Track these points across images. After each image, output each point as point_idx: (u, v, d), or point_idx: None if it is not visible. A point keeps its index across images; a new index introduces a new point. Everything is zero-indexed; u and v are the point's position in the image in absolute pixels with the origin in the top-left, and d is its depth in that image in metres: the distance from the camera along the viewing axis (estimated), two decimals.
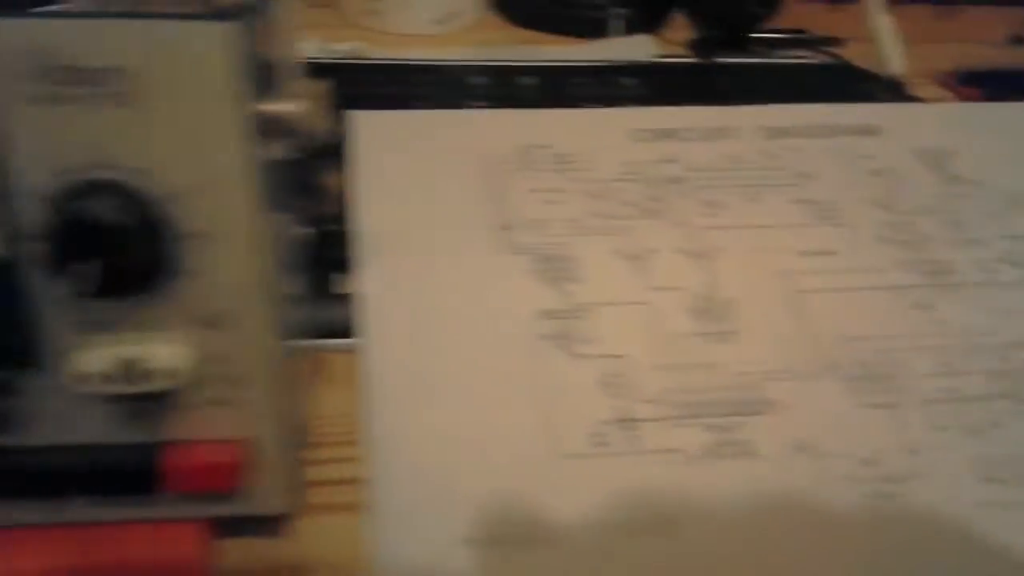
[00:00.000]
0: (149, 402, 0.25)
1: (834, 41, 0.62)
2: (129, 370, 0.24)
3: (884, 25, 0.54)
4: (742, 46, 0.61)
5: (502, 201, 0.42)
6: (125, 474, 0.25)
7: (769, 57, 0.59)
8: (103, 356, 0.24)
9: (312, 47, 0.55)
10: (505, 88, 0.48)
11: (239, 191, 0.23)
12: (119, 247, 0.22)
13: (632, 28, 0.64)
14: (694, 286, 0.39)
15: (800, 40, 0.62)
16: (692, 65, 0.53)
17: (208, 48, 0.22)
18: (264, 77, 0.25)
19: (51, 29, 0.22)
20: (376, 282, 0.38)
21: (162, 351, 0.24)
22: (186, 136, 0.23)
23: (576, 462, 0.34)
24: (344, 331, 0.36)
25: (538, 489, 0.33)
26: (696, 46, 0.63)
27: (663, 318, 0.38)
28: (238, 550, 0.29)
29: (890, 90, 0.52)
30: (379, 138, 0.43)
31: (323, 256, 0.37)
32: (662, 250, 0.41)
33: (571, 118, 0.47)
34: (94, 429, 0.25)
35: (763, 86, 0.51)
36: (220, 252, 0.24)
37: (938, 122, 0.49)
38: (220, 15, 0.23)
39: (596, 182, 0.43)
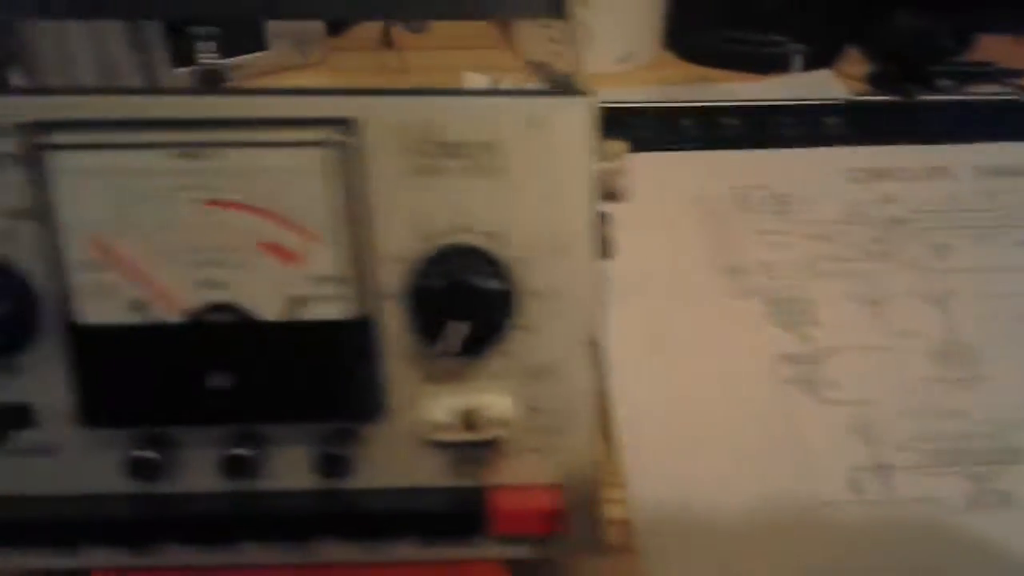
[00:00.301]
0: (478, 449, 0.26)
1: (1023, 74, 0.60)
2: (469, 419, 0.25)
3: None
4: (926, 80, 0.60)
5: (728, 244, 0.43)
6: (455, 516, 0.26)
7: (959, 92, 0.58)
8: (446, 406, 0.25)
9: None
10: (710, 129, 0.49)
11: (582, 250, 0.25)
12: (484, 308, 0.23)
13: (808, 63, 0.64)
14: (934, 331, 0.39)
15: (987, 73, 0.61)
16: (893, 102, 0.53)
17: (571, 121, 0.23)
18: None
19: (428, 106, 0.23)
20: (618, 327, 0.39)
21: (496, 401, 0.26)
22: (541, 201, 0.24)
23: (835, 509, 0.34)
24: None
25: (801, 536, 0.33)
26: (877, 80, 0.62)
27: (906, 363, 0.38)
28: None
29: None
30: None
31: None
32: (897, 294, 0.40)
33: (783, 158, 0.47)
34: (426, 474, 0.27)
35: (967, 123, 0.50)
36: (558, 308, 0.25)
37: None
38: (572, 90, 0.24)
39: (818, 223, 0.43)
